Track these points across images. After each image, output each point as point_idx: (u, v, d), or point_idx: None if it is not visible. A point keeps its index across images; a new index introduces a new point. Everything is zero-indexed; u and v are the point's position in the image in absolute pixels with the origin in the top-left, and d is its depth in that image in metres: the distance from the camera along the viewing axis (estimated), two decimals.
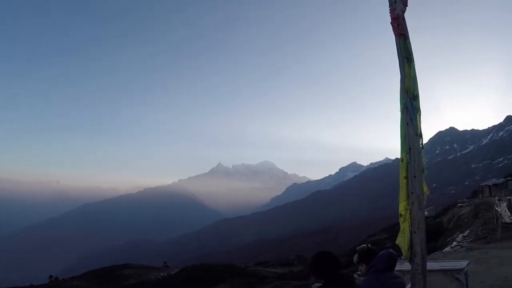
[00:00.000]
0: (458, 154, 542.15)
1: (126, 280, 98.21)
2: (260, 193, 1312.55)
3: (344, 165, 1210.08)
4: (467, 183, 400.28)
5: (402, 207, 6.60)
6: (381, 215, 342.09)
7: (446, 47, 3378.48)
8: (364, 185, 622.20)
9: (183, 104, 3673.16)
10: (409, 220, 6.22)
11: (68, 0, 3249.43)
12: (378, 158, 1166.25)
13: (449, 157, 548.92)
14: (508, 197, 41.78)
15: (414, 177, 6.39)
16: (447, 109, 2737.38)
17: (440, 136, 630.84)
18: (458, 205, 71.10)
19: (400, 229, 6.43)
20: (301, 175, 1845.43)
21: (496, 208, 34.36)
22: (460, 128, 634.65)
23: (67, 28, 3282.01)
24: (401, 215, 6.50)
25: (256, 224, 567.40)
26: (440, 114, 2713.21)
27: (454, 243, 27.67)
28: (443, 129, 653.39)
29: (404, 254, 6.21)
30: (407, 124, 6.41)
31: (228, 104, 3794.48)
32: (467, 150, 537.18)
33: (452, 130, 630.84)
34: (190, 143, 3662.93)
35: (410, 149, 6.42)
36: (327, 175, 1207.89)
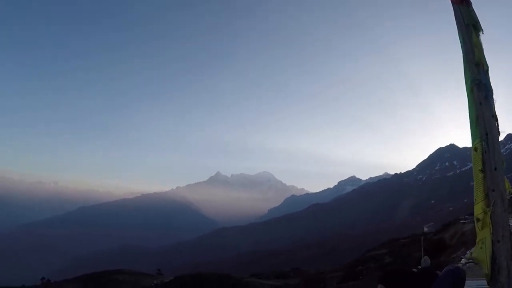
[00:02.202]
0: (458, 171, 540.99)
1: (119, 286, 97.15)
2: (258, 204, 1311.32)
3: (343, 179, 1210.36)
4: (465, 200, 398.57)
5: (478, 209, 5.28)
6: (379, 230, 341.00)
7: (448, 63, 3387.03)
8: (363, 199, 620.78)
9: (185, 111, 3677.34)
10: (490, 225, 4.79)
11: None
12: (377, 172, 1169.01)
13: (448, 174, 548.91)
14: None
15: (495, 169, 5.12)
16: (448, 126, 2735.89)
17: (440, 153, 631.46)
18: (461, 221, 70.05)
19: (478, 238, 5.08)
20: (299, 187, 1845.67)
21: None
22: (461, 145, 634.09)
23: (69, 33, 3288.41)
24: (478, 220, 5.19)
25: (253, 234, 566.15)
26: (441, 130, 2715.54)
27: (463, 259, 26.45)
28: (443, 145, 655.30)
29: (485, 270, 4.63)
30: (481, 103, 5.21)
31: (230, 113, 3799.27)
32: (467, 168, 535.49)
33: (452, 147, 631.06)
34: (190, 151, 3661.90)
35: (486, 134, 5.24)
36: (326, 188, 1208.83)
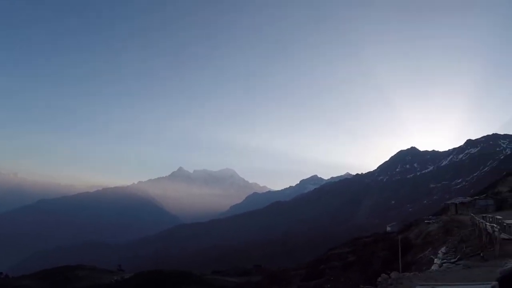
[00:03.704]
0: (418, 173, 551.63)
1: (78, 282, 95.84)
2: (220, 200, 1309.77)
3: (305, 178, 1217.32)
4: (425, 201, 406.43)
5: None
6: (340, 229, 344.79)
7: (414, 69, 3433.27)
8: (324, 198, 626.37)
9: (147, 105, 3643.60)
10: None
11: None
12: (339, 172, 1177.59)
13: (408, 176, 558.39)
14: (497, 216, 40.78)
15: None
16: (409, 129, 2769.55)
17: (401, 155, 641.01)
18: (425, 221, 71.07)
19: None
20: (262, 184, 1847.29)
21: (488, 224, 33.03)
22: (422, 148, 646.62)
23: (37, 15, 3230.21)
24: None
25: (215, 230, 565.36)
26: (403, 133, 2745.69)
27: (436, 259, 26.62)
28: (404, 148, 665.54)
29: None
30: None
31: (193, 108, 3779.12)
32: (426, 170, 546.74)
33: (413, 149, 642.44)
34: (152, 145, 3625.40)
35: None
36: (288, 186, 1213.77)
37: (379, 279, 20.49)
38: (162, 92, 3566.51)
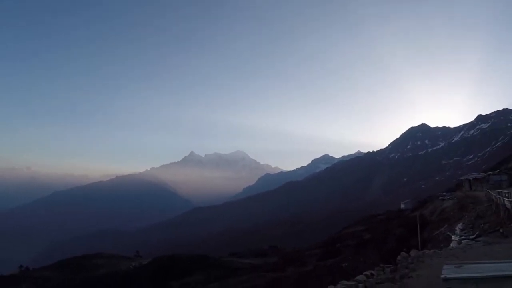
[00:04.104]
0: (429, 150, 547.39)
1: (97, 270, 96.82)
2: (232, 183, 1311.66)
3: (316, 157, 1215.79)
4: (437, 178, 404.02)
5: None
6: (352, 207, 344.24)
7: (423, 46, 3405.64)
8: (336, 177, 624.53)
9: (157, 92, 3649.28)
10: None
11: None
12: (350, 151, 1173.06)
13: (420, 153, 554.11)
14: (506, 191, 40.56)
15: None
16: (420, 106, 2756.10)
17: (412, 132, 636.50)
18: (440, 198, 70.78)
19: None
20: (273, 165, 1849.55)
21: (506, 200, 32.78)
22: (432, 124, 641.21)
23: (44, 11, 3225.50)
24: None
25: (228, 213, 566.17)
26: (413, 110, 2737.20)
27: (454, 236, 26.68)
28: (415, 125, 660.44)
29: None
30: None
31: (202, 92, 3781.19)
32: (438, 147, 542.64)
33: (424, 126, 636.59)
34: (163, 131, 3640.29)
35: None
36: (300, 166, 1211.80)
37: (399, 257, 20.48)
38: (171, 79, 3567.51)
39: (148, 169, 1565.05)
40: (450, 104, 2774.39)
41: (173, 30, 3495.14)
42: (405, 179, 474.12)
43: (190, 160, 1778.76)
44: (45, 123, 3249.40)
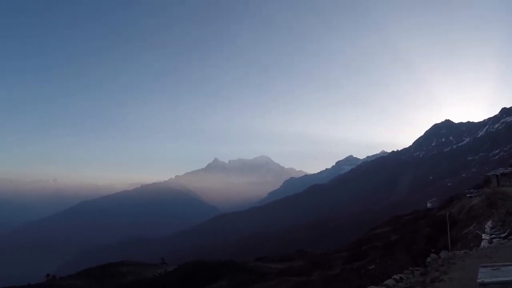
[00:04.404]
0: (454, 147, 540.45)
1: (123, 278, 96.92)
2: (257, 188, 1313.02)
3: (340, 159, 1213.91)
4: (463, 175, 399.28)
5: None
6: (378, 208, 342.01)
7: (442, 40, 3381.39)
8: (361, 178, 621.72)
9: (179, 100, 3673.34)
10: None
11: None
12: (374, 151, 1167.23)
13: (445, 150, 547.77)
14: None
15: None
16: (443, 102, 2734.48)
17: (436, 129, 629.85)
18: (467, 195, 69.16)
19: None
20: (297, 169, 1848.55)
21: None
22: (456, 120, 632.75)
23: (64, 27, 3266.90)
24: None
25: (254, 218, 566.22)
26: (436, 107, 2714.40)
27: (484, 235, 25.51)
28: (438, 121, 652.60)
29: None
30: None
31: (224, 99, 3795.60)
32: (463, 143, 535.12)
33: (447, 122, 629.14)
34: (186, 139, 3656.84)
35: None
36: (324, 168, 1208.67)
37: (428, 259, 19.35)
38: (193, 86, 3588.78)
39: (173, 177, 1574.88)
40: (474, 98, 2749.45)
41: (193, 35, 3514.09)
42: (430, 178, 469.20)
43: (214, 166, 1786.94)
44: (70, 135, 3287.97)
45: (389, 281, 14.67)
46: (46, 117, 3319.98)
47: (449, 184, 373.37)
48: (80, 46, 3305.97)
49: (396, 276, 15.62)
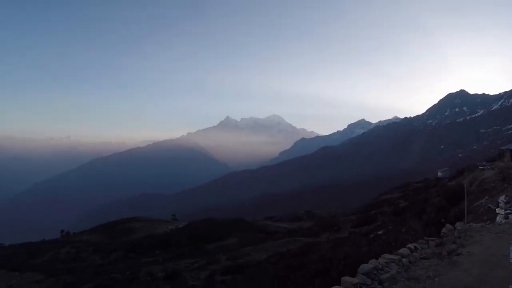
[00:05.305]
0: (468, 118, 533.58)
1: (134, 233, 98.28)
2: (268, 147, 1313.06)
3: (352, 122, 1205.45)
4: (475, 147, 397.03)
5: None
6: (389, 174, 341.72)
7: (459, 7, 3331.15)
8: (372, 142, 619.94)
9: (192, 57, 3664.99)
10: None
11: None
12: (387, 116, 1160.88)
13: (458, 120, 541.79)
14: None
15: None
16: (459, 71, 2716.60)
17: (450, 98, 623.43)
18: (479, 168, 68.90)
19: None
20: (309, 130, 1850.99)
21: None
22: (471, 91, 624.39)
23: None
24: None
25: (264, 177, 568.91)
26: (451, 75, 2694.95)
27: (499, 209, 25.66)
28: (453, 91, 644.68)
29: None
30: None
31: (237, 57, 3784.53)
32: (476, 114, 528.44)
33: (462, 93, 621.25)
34: (199, 96, 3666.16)
35: None
36: (336, 131, 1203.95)
37: (444, 230, 19.35)
38: (204, 44, 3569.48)
39: (185, 134, 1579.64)
40: (490, 70, 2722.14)
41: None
42: (442, 147, 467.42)
43: (226, 124, 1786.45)
44: (83, 93, 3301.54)
45: (403, 250, 14.93)
46: (61, 76, 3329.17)
47: (459, 155, 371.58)
48: (95, 4, 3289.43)
49: (411, 245, 15.83)
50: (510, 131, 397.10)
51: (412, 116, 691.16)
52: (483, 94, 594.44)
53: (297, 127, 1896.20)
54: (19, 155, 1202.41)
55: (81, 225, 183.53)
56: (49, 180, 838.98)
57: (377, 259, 13.87)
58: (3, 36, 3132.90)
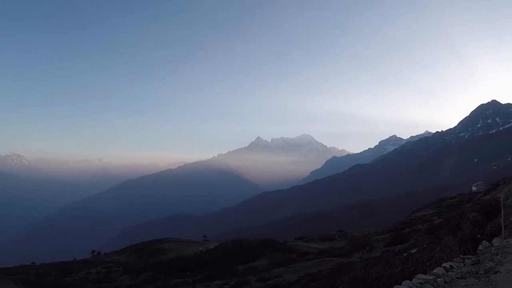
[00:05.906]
0: (501, 129, 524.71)
1: (165, 254, 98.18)
2: (299, 167, 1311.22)
3: (383, 138, 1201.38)
4: (509, 158, 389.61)
5: None
6: (422, 190, 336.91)
7: (489, 15, 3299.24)
8: (404, 158, 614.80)
9: (223, 80, 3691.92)
10: None
11: None
12: (418, 131, 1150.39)
13: (491, 132, 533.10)
14: None
15: None
16: (490, 81, 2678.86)
17: (482, 109, 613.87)
18: None
19: None
20: (340, 148, 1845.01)
21: None
22: (503, 101, 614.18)
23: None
24: None
25: (296, 197, 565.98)
26: (482, 86, 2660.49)
27: None
28: (485, 102, 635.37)
29: None
30: None
31: (267, 78, 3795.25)
32: (510, 125, 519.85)
33: (494, 103, 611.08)
34: (230, 118, 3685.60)
35: None
36: (367, 148, 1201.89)
37: (480, 247, 18.13)
38: (235, 67, 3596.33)
39: (216, 155, 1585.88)
40: None
41: (240, 15, 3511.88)
42: (475, 160, 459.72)
43: (257, 145, 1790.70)
44: (115, 117, 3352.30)
45: (438, 270, 13.91)
46: (93, 100, 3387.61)
47: (494, 168, 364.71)
48: (126, 29, 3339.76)
49: (446, 265, 14.77)
50: None
51: (443, 130, 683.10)
52: None
53: (328, 145, 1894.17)
54: (53, 176, 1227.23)
55: (112, 246, 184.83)
56: (82, 201, 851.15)
57: (411, 279, 12.99)
58: (41, 62, 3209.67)
